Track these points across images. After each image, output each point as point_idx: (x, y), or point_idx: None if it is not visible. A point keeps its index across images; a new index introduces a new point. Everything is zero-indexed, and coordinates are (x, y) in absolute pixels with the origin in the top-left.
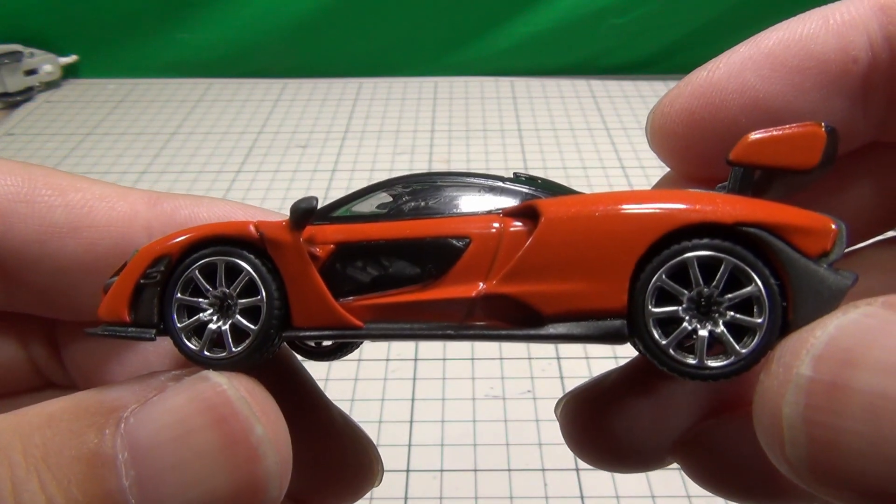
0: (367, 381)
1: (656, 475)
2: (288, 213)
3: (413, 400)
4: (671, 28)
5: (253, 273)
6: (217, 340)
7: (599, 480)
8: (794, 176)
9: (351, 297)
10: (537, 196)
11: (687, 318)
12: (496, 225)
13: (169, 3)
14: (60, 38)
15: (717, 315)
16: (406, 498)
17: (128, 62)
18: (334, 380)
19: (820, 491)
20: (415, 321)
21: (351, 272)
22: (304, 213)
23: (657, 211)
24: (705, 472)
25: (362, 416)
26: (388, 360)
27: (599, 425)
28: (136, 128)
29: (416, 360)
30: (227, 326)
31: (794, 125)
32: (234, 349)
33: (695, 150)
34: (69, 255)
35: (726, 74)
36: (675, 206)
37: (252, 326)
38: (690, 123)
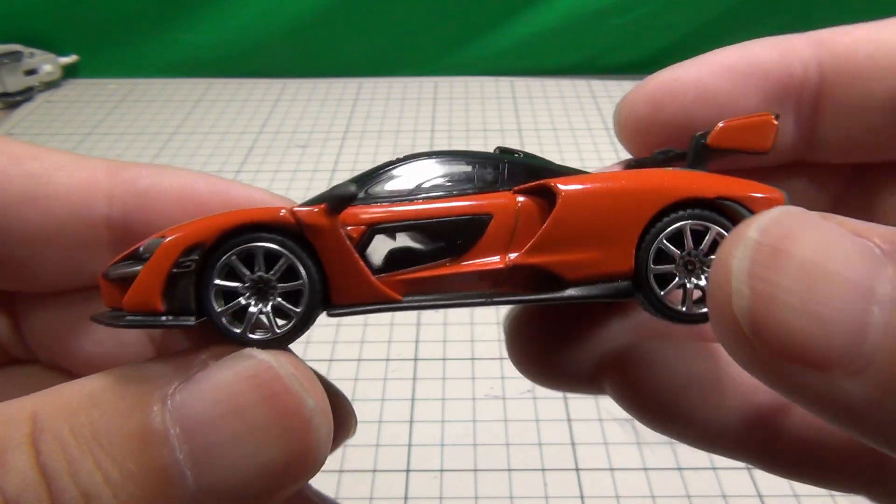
0: (367, 381)
1: (656, 475)
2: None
3: (413, 400)
4: (671, 28)
5: (293, 258)
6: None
7: (599, 480)
8: (746, 156)
9: (384, 274)
10: (537, 171)
11: (679, 274)
12: (514, 201)
13: (169, 3)
14: (60, 38)
15: (700, 272)
16: (406, 498)
17: (128, 62)
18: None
19: (758, 353)
20: (446, 292)
21: (383, 251)
22: (344, 200)
23: (658, 188)
24: (628, 392)
25: (362, 416)
26: (388, 360)
27: (535, 339)
28: (136, 128)
29: (415, 360)
30: (268, 308)
31: (752, 115)
32: (277, 329)
33: (653, 132)
34: (28, 225)
35: (685, 72)
36: (672, 184)
37: (296, 308)
38: (652, 107)
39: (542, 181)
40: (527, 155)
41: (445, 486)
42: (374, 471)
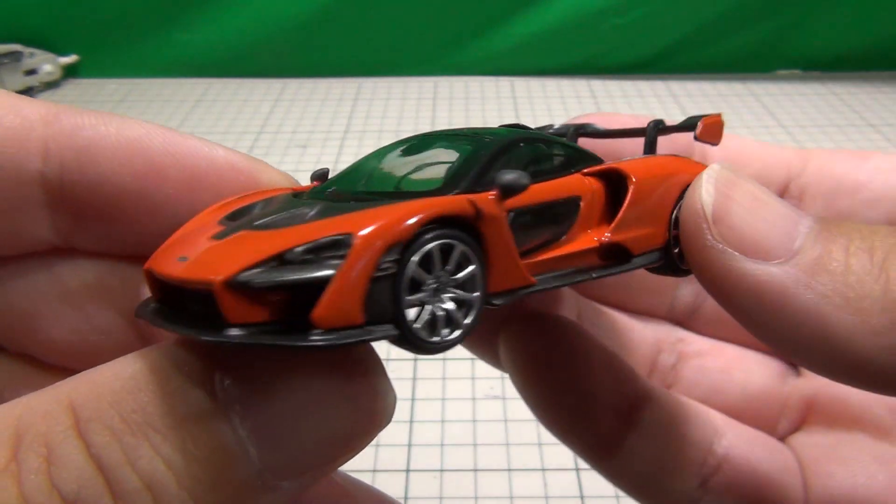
0: None
1: None
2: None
3: (413, 400)
4: (671, 28)
5: (468, 249)
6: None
7: (599, 480)
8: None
9: (522, 259)
10: (577, 151)
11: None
12: (592, 185)
13: (169, 3)
14: (60, 38)
15: None
16: (406, 498)
17: (128, 62)
18: None
19: (712, 239)
20: (560, 271)
21: (519, 235)
22: (516, 190)
23: (684, 172)
24: (515, 347)
25: None
26: (388, 360)
27: None
28: None
29: (416, 360)
30: (452, 305)
31: (711, 115)
32: (465, 323)
33: None
34: None
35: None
36: (688, 169)
37: (474, 296)
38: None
39: (609, 166)
40: (531, 129)
41: (445, 486)
42: (374, 471)
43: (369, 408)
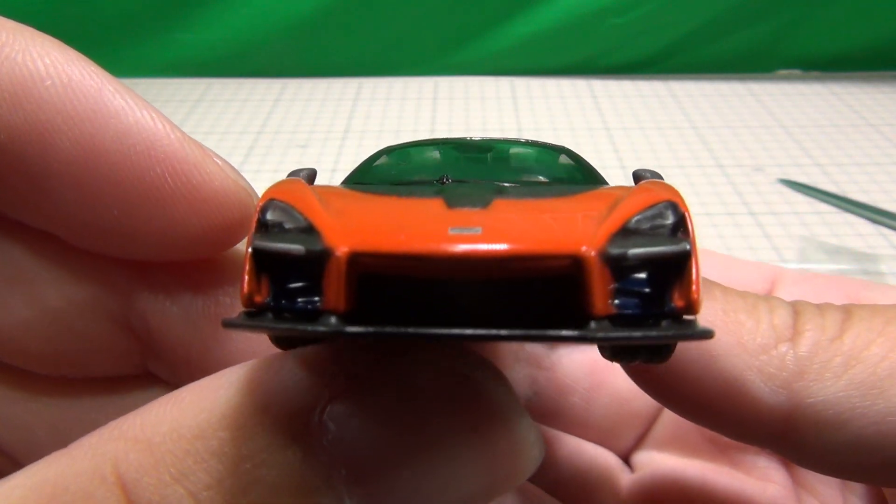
0: None
1: None
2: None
3: None
4: (671, 28)
5: None
6: None
7: None
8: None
9: None
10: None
11: None
12: None
13: (169, 3)
14: (60, 38)
15: None
16: None
17: (128, 62)
18: None
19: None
20: None
21: None
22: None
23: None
24: None
25: None
26: None
27: None
28: None
29: None
30: None
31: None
32: None
33: None
34: None
35: None
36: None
37: None
38: None
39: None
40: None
41: None
42: None
43: (508, 467)
